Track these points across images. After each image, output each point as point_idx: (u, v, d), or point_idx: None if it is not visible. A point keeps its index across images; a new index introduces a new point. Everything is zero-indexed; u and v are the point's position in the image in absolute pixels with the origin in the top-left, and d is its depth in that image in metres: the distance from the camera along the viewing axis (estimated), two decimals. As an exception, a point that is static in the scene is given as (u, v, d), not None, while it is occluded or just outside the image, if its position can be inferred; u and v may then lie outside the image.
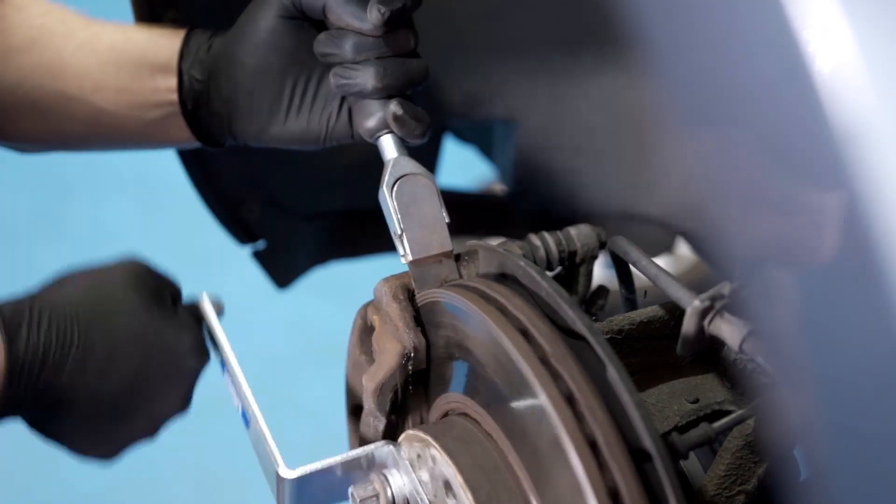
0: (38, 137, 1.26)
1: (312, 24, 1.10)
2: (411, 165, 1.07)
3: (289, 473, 1.03)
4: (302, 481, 1.03)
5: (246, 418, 1.12)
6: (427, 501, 0.98)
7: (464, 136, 2.00)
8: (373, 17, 1.04)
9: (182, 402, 1.15)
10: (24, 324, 1.02)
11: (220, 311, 1.20)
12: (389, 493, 1.01)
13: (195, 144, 1.22)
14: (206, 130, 1.20)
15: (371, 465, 1.04)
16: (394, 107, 1.06)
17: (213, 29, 1.19)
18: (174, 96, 1.18)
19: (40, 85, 1.19)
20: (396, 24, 1.05)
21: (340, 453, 1.04)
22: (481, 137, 1.96)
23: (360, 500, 1.02)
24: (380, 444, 1.04)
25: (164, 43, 1.19)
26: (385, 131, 1.07)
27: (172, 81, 1.18)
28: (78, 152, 1.34)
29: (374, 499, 1.02)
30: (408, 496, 1.01)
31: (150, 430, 1.15)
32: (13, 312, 1.03)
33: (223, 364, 1.17)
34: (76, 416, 1.08)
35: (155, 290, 1.12)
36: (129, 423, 1.12)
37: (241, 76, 1.13)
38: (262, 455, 1.09)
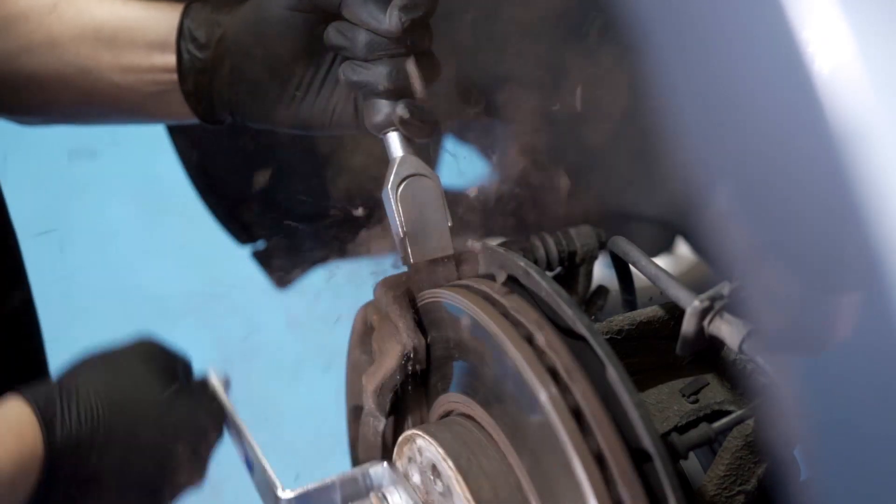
0: (37, 108, 1.25)
1: (322, 16, 1.09)
2: (417, 165, 1.06)
3: (286, 494, 1.04)
4: (301, 500, 1.04)
5: (249, 464, 1.14)
6: None
7: (464, 137, 1.99)
8: (392, 22, 1.02)
9: (200, 476, 1.19)
10: (57, 414, 1.07)
11: (227, 385, 1.22)
12: None
13: (194, 121, 1.21)
14: (206, 109, 1.18)
15: (370, 486, 1.04)
16: (400, 110, 1.05)
17: (210, 4, 1.17)
18: (173, 75, 1.17)
19: (38, 54, 1.18)
20: (414, 28, 1.04)
21: (338, 470, 1.04)
22: (481, 137, 1.96)
23: None
24: (374, 463, 1.04)
25: (162, 18, 1.17)
26: (392, 128, 1.06)
27: (170, 59, 1.16)
28: (78, 125, 1.32)
29: None
30: None
31: (171, 500, 1.18)
32: (46, 402, 1.07)
33: (228, 426, 1.20)
34: (105, 493, 1.12)
35: (168, 369, 1.16)
36: (153, 496, 1.16)
37: (247, 65, 1.12)
38: (261, 484, 1.11)
